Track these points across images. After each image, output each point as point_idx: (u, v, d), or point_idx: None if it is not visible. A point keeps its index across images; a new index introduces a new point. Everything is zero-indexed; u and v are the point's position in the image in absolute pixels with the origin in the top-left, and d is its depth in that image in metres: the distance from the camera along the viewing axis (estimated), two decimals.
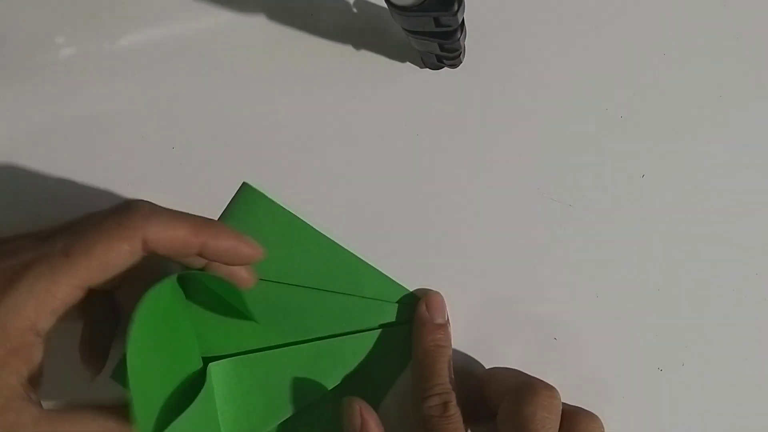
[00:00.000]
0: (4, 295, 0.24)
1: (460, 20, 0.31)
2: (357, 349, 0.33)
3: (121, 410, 0.26)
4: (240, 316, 0.32)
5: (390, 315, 0.34)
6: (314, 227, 0.34)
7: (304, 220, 0.34)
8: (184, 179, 0.36)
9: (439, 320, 0.33)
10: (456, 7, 0.29)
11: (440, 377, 0.31)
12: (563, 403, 0.30)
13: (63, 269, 0.25)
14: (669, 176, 0.36)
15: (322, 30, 0.37)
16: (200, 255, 0.28)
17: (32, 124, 0.36)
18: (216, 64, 0.37)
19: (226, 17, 0.37)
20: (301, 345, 0.33)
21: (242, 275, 0.31)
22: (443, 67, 0.37)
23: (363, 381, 0.33)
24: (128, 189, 0.36)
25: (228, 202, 0.34)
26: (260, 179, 0.36)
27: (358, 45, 0.37)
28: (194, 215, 0.28)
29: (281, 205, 0.34)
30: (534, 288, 0.35)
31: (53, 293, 0.25)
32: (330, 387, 0.32)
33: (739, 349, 0.35)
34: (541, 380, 0.31)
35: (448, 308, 0.34)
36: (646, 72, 0.37)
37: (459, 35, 0.32)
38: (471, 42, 0.35)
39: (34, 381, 0.26)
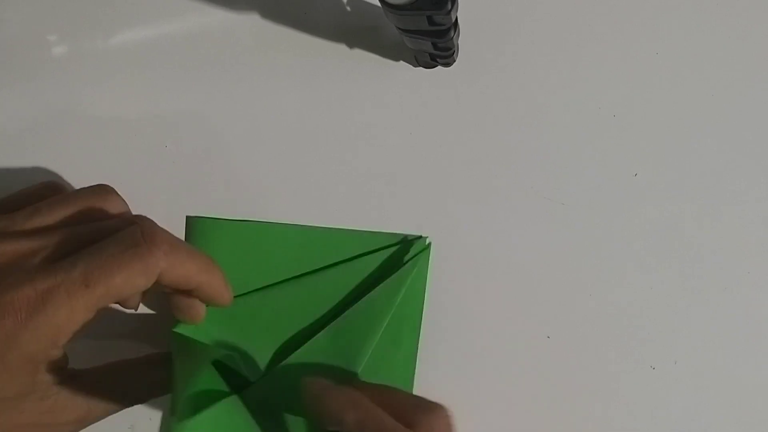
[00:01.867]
0: (25, 328, 0.25)
1: (454, 19, 0.31)
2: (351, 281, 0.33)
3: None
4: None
5: (386, 262, 0.34)
6: (273, 222, 0.34)
7: (260, 221, 0.34)
8: (176, 177, 0.36)
9: None
10: (449, 6, 0.29)
11: None
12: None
13: (83, 299, 0.25)
14: (661, 175, 0.36)
15: (316, 28, 0.37)
16: (190, 291, 0.29)
17: (24, 121, 0.36)
18: (209, 62, 0.37)
19: (220, 15, 0.37)
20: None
21: (198, 311, 0.31)
22: (437, 66, 0.37)
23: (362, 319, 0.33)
24: (120, 187, 0.36)
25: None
26: (253, 178, 0.36)
27: (352, 43, 0.37)
28: (197, 252, 0.29)
29: (230, 219, 0.34)
30: (527, 286, 0.35)
31: (72, 320, 0.25)
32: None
33: (731, 348, 0.35)
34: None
35: (437, 306, 0.34)
36: (638, 71, 0.37)
37: (452, 34, 0.32)
38: (464, 41, 0.35)
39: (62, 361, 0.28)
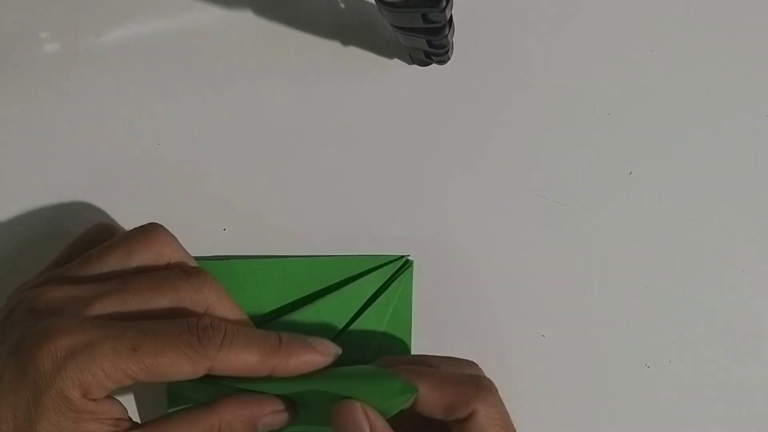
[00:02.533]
0: (61, 368, 0.24)
1: (449, 16, 0.31)
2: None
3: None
4: None
5: (370, 286, 0.33)
6: (257, 258, 0.34)
7: (243, 258, 0.34)
8: (169, 175, 0.36)
9: None
10: (444, 4, 0.29)
11: None
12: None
13: (124, 359, 0.25)
14: (656, 173, 0.36)
15: (310, 26, 0.37)
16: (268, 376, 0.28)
17: (14, 119, 0.36)
18: (202, 59, 0.37)
19: (213, 13, 0.37)
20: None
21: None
22: (431, 64, 0.37)
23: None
24: (113, 185, 0.36)
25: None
26: (247, 176, 0.36)
27: (346, 41, 0.37)
28: (262, 335, 0.28)
29: (212, 259, 0.34)
30: (522, 285, 0.35)
31: (108, 375, 0.25)
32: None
33: (725, 346, 0.35)
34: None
35: (435, 306, 0.34)
36: (633, 69, 0.37)
37: (447, 32, 0.32)
38: (459, 38, 0.35)
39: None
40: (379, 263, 0.34)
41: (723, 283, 0.36)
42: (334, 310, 0.33)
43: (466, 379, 0.28)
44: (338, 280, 0.34)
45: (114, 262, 0.29)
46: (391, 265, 0.34)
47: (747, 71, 0.37)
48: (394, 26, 0.32)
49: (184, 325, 0.26)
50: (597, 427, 0.35)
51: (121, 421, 0.27)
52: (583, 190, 0.36)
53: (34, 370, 0.24)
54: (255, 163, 0.36)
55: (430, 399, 0.27)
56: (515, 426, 0.29)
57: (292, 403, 0.29)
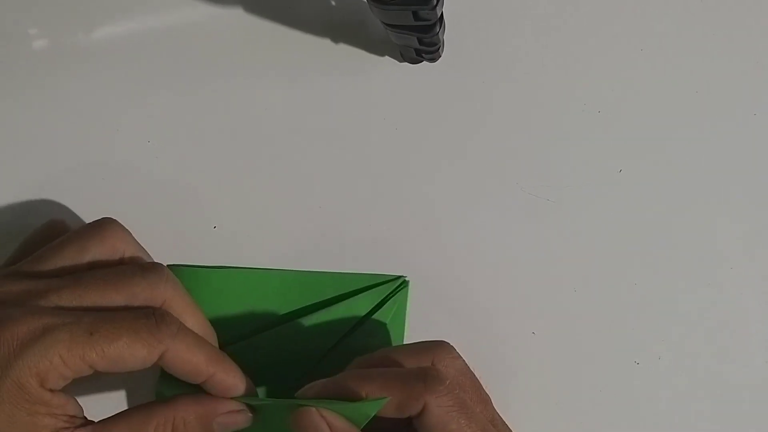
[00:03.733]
0: (18, 356, 0.24)
1: (439, 14, 0.31)
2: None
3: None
4: None
5: (365, 304, 0.33)
6: (252, 268, 0.34)
7: (239, 267, 0.34)
8: (159, 173, 0.36)
9: None
10: (435, 1, 0.29)
11: None
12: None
13: (81, 345, 0.25)
14: (646, 171, 0.37)
15: (301, 23, 0.37)
16: (201, 384, 0.28)
17: (2, 116, 0.36)
18: (192, 56, 0.37)
19: (203, 9, 0.37)
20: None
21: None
22: (422, 61, 0.37)
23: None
24: (102, 182, 0.35)
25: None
26: (238, 173, 0.36)
27: (337, 38, 0.37)
28: (209, 344, 0.29)
29: (208, 267, 0.34)
30: (512, 282, 0.35)
31: (65, 362, 0.25)
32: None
33: (714, 343, 0.35)
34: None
35: (423, 297, 0.34)
36: (623, 68, 0.37)
37: (438, 29, 0.32)
38: (450, 36, 0.35)
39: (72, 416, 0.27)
40: (375, 282, 0.34)
41: (712, 281, 0.36)
42: (327, 326, 0.33)
43: (414, 374, 0.27)
44: (333, 296, 0.34)
45: (68, 258, 0.29)
46: (387, 284, 0.34)
47: (736, 70, 0.38)
48: (385, 24, 0.32)
49: (140, 311, 0.27)
50: (586, 424, 0.35)
51: (75, 418, 0.27)
52: (573, 187, 0.36)
53: None
54: (245, 160, 0.36)
55: None
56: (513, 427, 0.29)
57: (251, 407, 0.29)
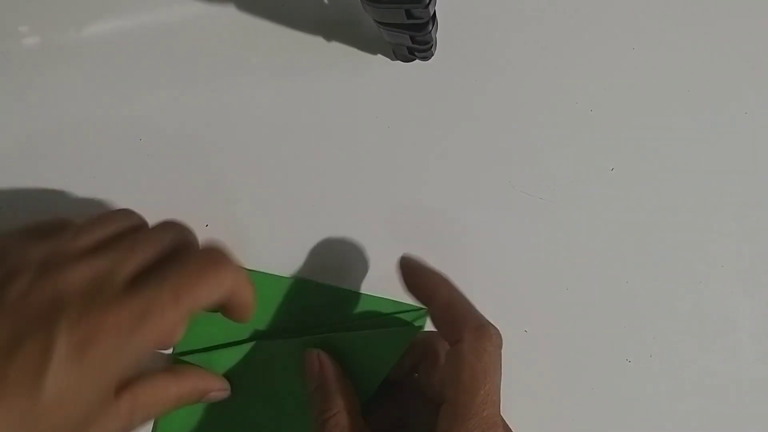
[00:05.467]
0: (124, 351, 0.25)
1: (432, 12, 0.31)
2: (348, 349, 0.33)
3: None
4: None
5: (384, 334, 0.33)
6: (277, 275, 0.34)
7: (260, 272, 0.34)
8: (150, 170, 0.36)
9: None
10: (427, 0, 0.29)
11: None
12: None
13: (175, 313, 0.25)
14: (638, 169, 0.37)
15: (293, 21, 0.37)
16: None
17: None
18: (184, 54, 0.36)
19: (195, 7, 0.37)
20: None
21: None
22: (415, 60, 0.37)
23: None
24: (93, 180, 0.35)
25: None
26: (229, 171, 0.36)
27: (329, 37, 0.37)
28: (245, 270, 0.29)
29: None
30: (504, 280, 0.36)
31: (168, 333, 0.26)
32: None
33: (706, 341, 0.36)
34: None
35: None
36: (615, 66, 0.37)
37: (430, 28, 0.32)
38: (442, 34, 0.35)
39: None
40: (397, 309, 0.34)
41: (703, 278, 0.36)
42: (344, 342, 0.32)
43: (478, 314, 0.29)
44: (355, 313, 0.34)
45: (110, 231, 0.28)
46: (408, 314, 0.34)
47: (728, 69, 0.38)
48: (377, 22, 0.32)
49: (205, 254, 0.27)
50: (579, 421, 0.35)
51: None
52: (565, 186, 0.36)
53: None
54: (237, 158, 0.36)
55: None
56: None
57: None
